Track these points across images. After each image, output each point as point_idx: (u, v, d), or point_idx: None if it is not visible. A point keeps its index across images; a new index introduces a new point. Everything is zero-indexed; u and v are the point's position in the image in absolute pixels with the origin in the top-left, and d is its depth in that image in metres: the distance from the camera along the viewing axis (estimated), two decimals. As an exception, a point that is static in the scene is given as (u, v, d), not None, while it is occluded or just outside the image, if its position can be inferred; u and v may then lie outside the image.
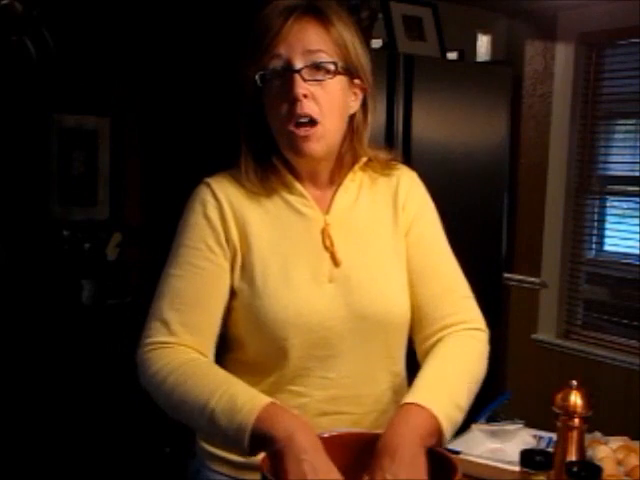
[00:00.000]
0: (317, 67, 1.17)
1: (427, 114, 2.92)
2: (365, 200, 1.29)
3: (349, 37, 1.20)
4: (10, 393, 2.66)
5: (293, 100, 1.15)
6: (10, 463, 2.59)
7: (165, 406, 1.16)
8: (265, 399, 1.06)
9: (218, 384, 1.11)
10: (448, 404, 1.12)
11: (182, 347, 1.17)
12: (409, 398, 1.11)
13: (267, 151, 1.24)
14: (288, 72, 1.16)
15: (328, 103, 1.18)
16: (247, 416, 1.04)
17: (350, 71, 1.21)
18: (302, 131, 1.17)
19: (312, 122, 1.17)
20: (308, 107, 1.16)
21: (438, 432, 1.09)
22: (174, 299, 1.19)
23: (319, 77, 1.17)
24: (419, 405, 1.09)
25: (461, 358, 1.22)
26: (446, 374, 1.18)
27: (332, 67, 1.18)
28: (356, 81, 1.23)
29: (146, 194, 3.42)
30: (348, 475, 1.02)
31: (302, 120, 1.16)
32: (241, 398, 1.07)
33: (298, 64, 1.16)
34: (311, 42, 1.17)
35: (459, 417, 1.14)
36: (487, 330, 1.30)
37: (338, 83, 1.19)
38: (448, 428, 1.10)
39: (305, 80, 1.16)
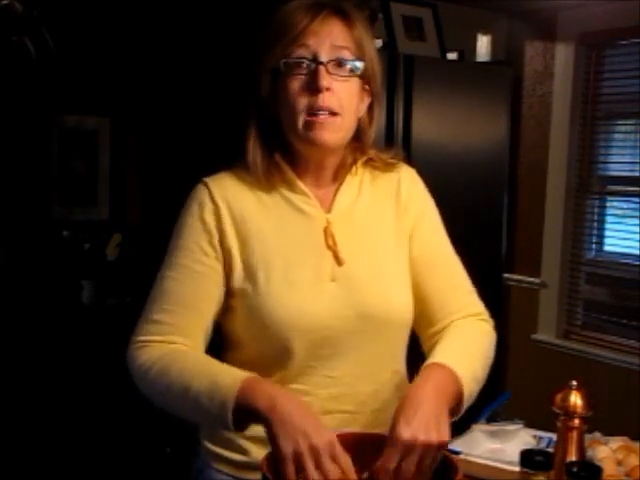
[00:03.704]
0: (341, 64, 1.19)
1: (427, 114, 2.92)
2: (366, 198, 1.29)
3: (367, 42, 1.22)
4: (10, 393, 2.66)
5: (316, 91, 1.16)
6: (10, 463, 2.59)
7: (152, 397, 1.17)
8: (245, 374, 1.08)
9: (199, 367, 1.13)
10: (469, 372, 1.15)
11: (167, 344, 1.18)
12: (434, 359, 1.13)
13: (272, 147, 1.24)
14: (314, 63, 1.17)
15: (347, 100, 1.20)
16: (228, 391, 1.05)
17: (364, 75, 1.22)
18: (321, 119, 1.17)
19: (331, 114, 1.18)
20: (329, 100, 1.17)
21: (460, 396, 1.11)
22: (164, 300, 1.20)
23: (342, 73, 1.19)
24: (445, 366, 1.11)
25: (474, 337, 1.26)
26: (463, 348, 1.21)
27: (355, 65, 1.20)
28: (365, 86, 1.24)
29: (146, 194, 3.42)
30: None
31: (321, 112, 1.17)
32: (221, 376, 1.09)
33: (324, 57, 1.17)
34: (338, 38, 1.19)
35: (475, 389, 1.17)
36: (492, 322, 1.33)
37: (356, 84, 1.22)
38: (467, 395, 1.13)
39: (329, 74, 1.17)
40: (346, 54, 1.19)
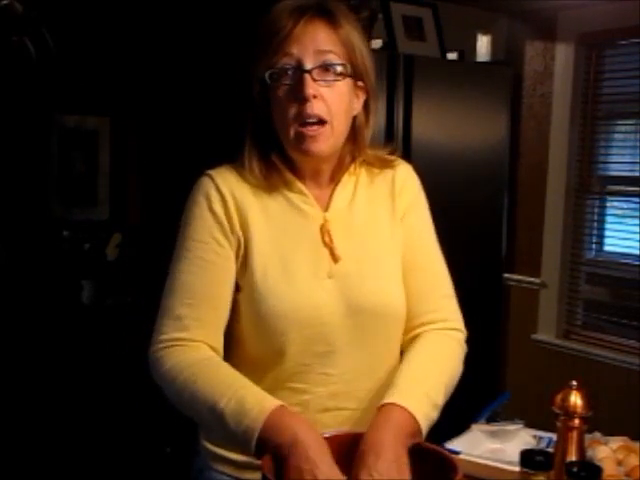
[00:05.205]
0: (327, 68, 1.18)
1: (427, 114, 2.92)
2: (363, 196, 1.30)
3: (356, 39, 1.22)
4: (10, 393, 2.66)
5: (303, 100, 1.16)
6: (10, 463, 2.59)
7: (176, 403, 1.17)
8: (273, 403, 1.08)
9: (228, 385, 1.12)
10: (426, 404, 1.15)
11: (195, 344, 1.18)
12: (389, 398, 1.13)
13: (269, 149, 1.25)
14: (299, 72, 1.17)
15: (336, 104, 1.19)
16: (254, 421, 1.05)
17: (355, 73, 1.22)
18: (310, 131, 1.18)
19: (320, 122, 1.18)
20: (317, 108, 1.17)
21: (418, 431, 1.12)
22: (185, 294, 1.20)
23: (328, 78, 1.18)
24: (399, 406, 1.11)
25: (438, 357, 1.25)
26: (424, 373, 1.21)
27: (341, 69, 1.19)
28: (359, 83, 1.24)
29: (146, 194, 3.42)
30: (346, 476, 1.03)
31: (310, 120, 1.17)
32: (249, 401, 1.08)
33: (309, 64, 1.17)
34: (322, 42, 1.18)
35: (435, 416, 1.17)
36: (465, 332, 1.33)
37: (345, 85, 1.21)
38: (425, 427, 1.13)
39: (315, 80, 1.17)
40: (332, 58, 1.18)
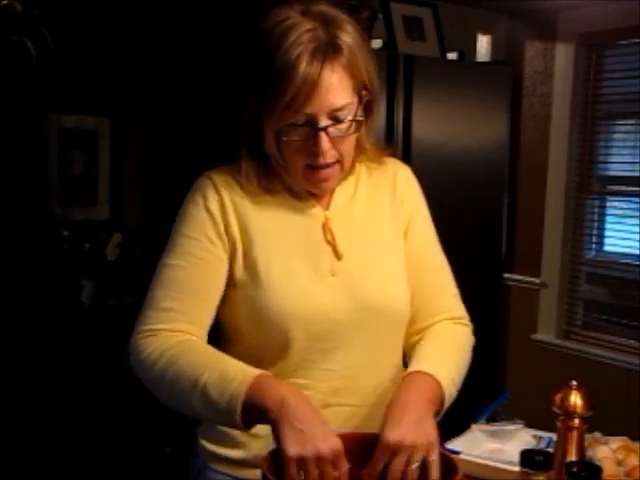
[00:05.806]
0: (341, 122, 1.16)
1: (427, 114, 2.92)
2: (363, 193, 1.31)
3: (361, 58, 1.18)
4: (10, 393, 2.66)
5: (316, 154, 1.16)
6: (10, 463, 2.59)
7: (157, 390, 1.17)
8: (255, 370, 1.09)
9: (208, 360, 1.13)
10: (448, 378, 1.18)
11: (175, 333, 1.18)
12: (415, 367, 1.17)
13: (267, 157, 1.24)
14: (313, 127, 1.15)
15: (348, 149, 1.20)
16: (239, 387, 1.06)
17: (359, 87, 1.20)
18: (323, 174, 1.19)
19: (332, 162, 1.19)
20: (330, 156, 1.18)
21: (441, 400, 1.15)
22: (171, 288, 1.20)
23: (341, 128, 1.17)
24: (426, 373, 1.15)
25: (453, 342, 1.29)
26: (443, 354, 1.24)
27: (353, 121, 1.18)
28: (363, 92, 1.22)
29: (146, 194, 3.42)
30: (350, 475, 1.02)
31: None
32: (232, 371, 1.09)
33: (323, 122, 1.15)
34: (336, 97, 1.14)
35: (454, 393, 1.21)
36: (471, 326, 1.36)
37: (354, 120, 1.19)
38: (447, 400, 1.17)
39: (329, 136, 1.16)
40: (346, 113, 1.16)
